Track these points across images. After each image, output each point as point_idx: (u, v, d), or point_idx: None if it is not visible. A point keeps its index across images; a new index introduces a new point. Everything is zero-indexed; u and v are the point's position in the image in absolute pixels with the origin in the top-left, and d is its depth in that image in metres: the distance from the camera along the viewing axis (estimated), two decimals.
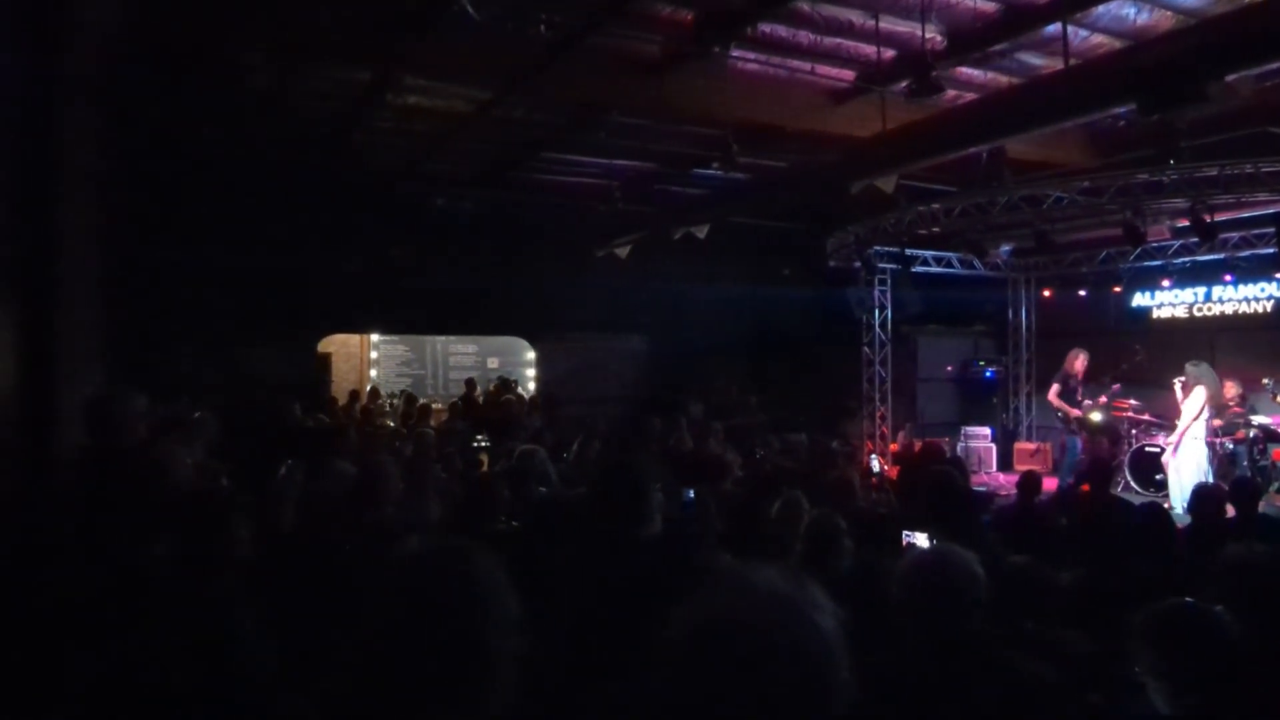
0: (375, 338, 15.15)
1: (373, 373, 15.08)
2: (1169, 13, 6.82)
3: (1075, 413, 10.14)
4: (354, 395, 12.87)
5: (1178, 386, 9.10)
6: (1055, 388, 10.36)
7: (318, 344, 13.37)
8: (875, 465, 10.60)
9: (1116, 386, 10.25)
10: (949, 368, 13.79)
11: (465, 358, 15.65)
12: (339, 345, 14.28)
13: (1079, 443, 10.17)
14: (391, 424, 10.68)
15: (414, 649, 1.28)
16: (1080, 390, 10.27)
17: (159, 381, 7.58)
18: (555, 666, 2.23)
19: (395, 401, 12.82)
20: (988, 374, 13.47)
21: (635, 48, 7.38)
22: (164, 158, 9.95)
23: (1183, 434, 8.78)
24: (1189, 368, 8.96)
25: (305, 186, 11.32)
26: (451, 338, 15.51)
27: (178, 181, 10.54)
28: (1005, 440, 12.66)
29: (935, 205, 9.60)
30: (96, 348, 4.21)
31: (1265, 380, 9.23)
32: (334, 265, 12.11)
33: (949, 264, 11.77)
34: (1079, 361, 10.33)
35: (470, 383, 12.93)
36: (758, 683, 1.01)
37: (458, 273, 12.79)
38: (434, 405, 12.29)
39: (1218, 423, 9.05)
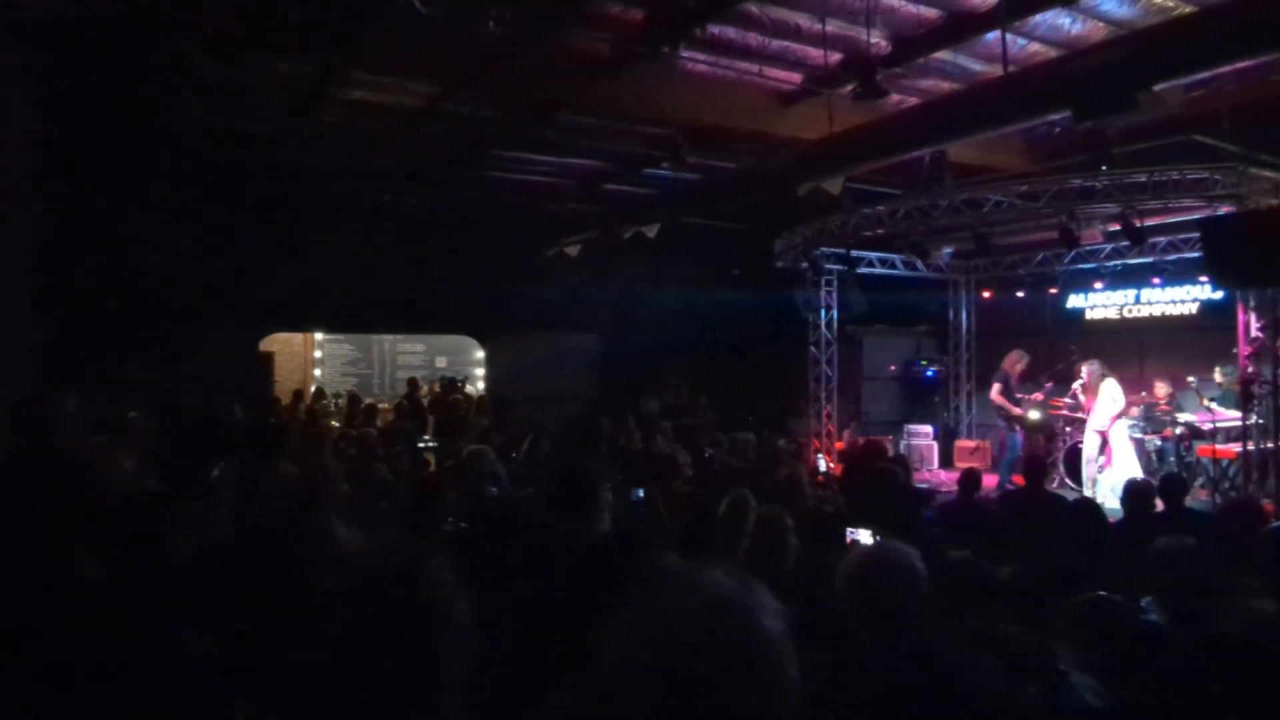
0: (319, 336, 14.88)
1: (317, 372, 14.80)
2: (1101, 23, 7.05)
3: (1017, 410, 10.47)
4: (297, 395, 12.62)
5: (1078, 388, 9.50)
6: (997, 386, 10.67)
7: (259, 343, 13.07)
8: (821, 464, 10.75)
9: (1049, 385, 10.58)
10: (892, 367, 14.06)
11: (413, 357, 15.45)
12: (281, 344, 13.99)
13: (1019, 440, 10.49)
14: (336, 424, 10.51)
15: (363, 655, 1.27)
16: (1017, 389, 10.62)
17: (94, 382, 7.34)
18: (505, 668, 2.22)
19: (340, 402, 12.60)
20: (929, 373, 13.77)
21: (585, 46, 7.36)
22: (100, 152, 9.64)
23: (1112, 429, 9.09)
24: (1087, 370, 9.35)
25: (248, 182, 11.06)
26: (399, 337, 15.30)
27: (115, 177, 10.21)
28: (946, 438, 12.95)
29: (880, 207, 9.78)
30: (25, 347, 4.06)
31: (1190, 379, 9.61)
32: (277, 262, 11.86)
33: (893, 265, 11.99)
34: (1021, 363, 10.66)
35: (413, 382, 12.76)
36: (704, 685, 1.02)
37: (405, 271, 12.62)
38: (381, 405, 12.11)
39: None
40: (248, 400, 9.89)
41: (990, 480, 9.94)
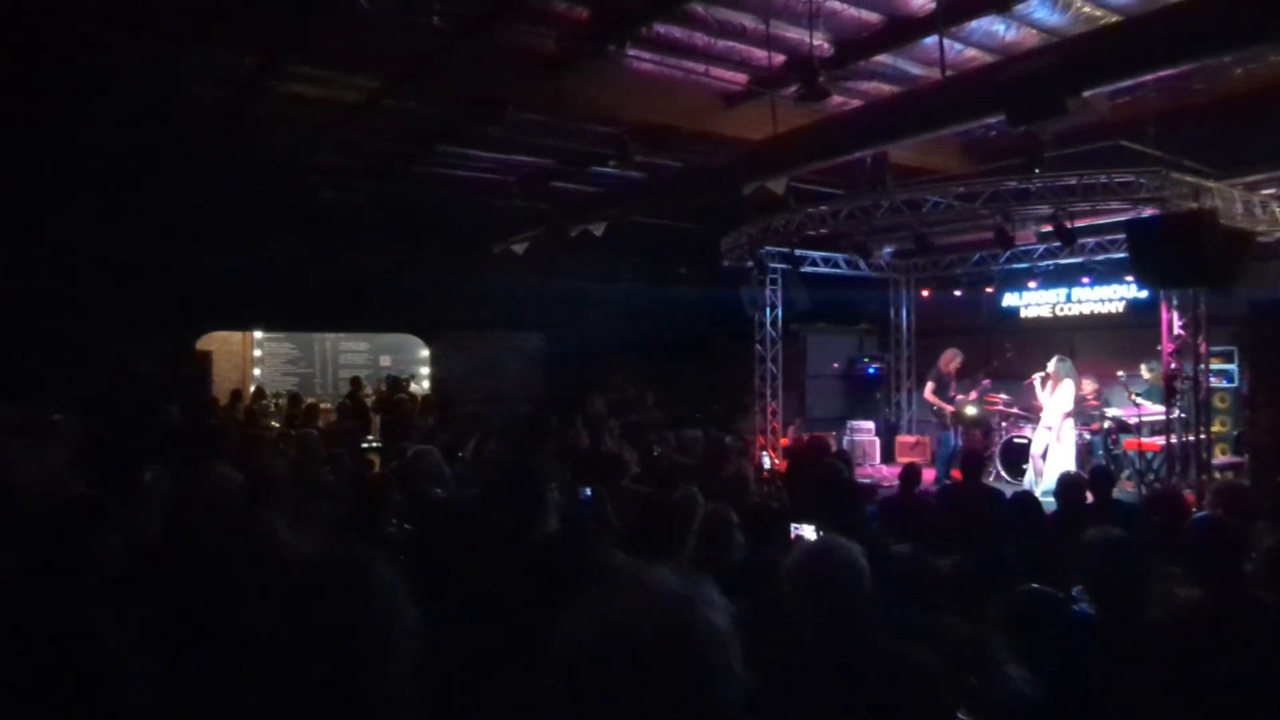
0: (259, 335, 14.52)
1: (256, 371, 14.45)
2: (1034, 30, 7.27)
3: (949, 408, 10.76)
4: (236, 395, 12.30)
5: (1037, 380, 9.71)
6: (930, 385, 10.99)
7: (197, 342, 12.70)
8: (766, 461, 10.88)
9: (987, 382, 10.87)
10: (835, 364, 14.29)
11: (356, 356, 15.18)
12: (219, 343, 13.62)
13: (952, 436, 10.76)
14: (276, 425, 10.27)
15: (308, 660, 1.25)
16: (954, 386, 10.90)
17: (22, 381, 7.06)
18: (452, 668, 2.21)
19: (281, 402, 12.32)
20: (870, 370, 14.04)
21: (531, 43, 7.32)
22: (30, 145, 9.27)
23: (1062, 425, 9.34)
24: (1054, 364, 9.57)
25: (184, 175, 10.73)
26: (342, 335, 15.02)
27: (45, 170, 9.83)
28: (887, 434, 13.19)
29: (823, 207, 9.93)
30: None
31: (1120, 373, 9.95)
32: (215, 259, 11.53)
33: (835, 264, 12.19)
34: (956, 361, 10.95)
35: (356, 381, 12.54)
36: (653, 680, 1.03)
37: (347, 268, 12.40)
38: (323, 405, 11.88)
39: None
40: (185, 401, 9.61)
41: (930, 474, 10.18)
